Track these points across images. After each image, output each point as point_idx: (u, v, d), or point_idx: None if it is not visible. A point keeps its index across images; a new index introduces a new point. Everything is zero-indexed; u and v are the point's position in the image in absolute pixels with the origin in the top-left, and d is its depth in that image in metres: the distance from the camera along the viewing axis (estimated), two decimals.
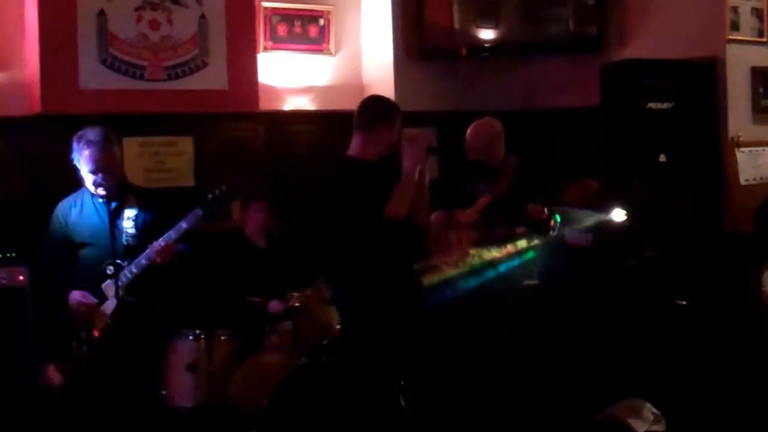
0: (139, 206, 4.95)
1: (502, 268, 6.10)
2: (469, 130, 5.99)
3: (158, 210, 5.11)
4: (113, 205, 4.85)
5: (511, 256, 6.07)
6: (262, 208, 6.02)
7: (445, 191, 6.13)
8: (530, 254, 6.08)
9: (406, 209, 4.87)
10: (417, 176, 4.92)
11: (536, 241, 6.00)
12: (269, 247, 5.98)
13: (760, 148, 6.83)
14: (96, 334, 4.81)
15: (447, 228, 6.11)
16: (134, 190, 5.13)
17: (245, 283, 5.71)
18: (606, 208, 6.40)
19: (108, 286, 4.84)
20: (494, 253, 6.06)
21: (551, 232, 5.81)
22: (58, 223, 5.02)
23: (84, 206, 5.01)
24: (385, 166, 5.02)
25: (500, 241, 6.07)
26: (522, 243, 6.08)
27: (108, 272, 4.84)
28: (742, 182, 6.72)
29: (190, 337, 5.37)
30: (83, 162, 4.90)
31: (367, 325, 4.93)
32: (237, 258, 5.88)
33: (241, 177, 6.40)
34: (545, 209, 5.73)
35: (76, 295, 4.86)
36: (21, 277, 5.28)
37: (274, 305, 5.62)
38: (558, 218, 5.82)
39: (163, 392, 5.30)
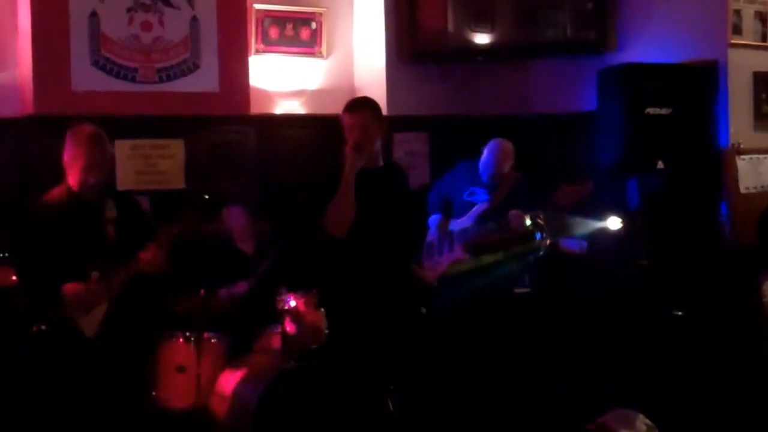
0: (120, 209, 5.26)
1: (493, 275, 6.60)
2: (492, 151, 6.71)
3: (139, 212, 5.56)
4: (97, 206, 5.18)
5: (502, 263, 6.61)
6: (240, 212, 6.50)
7: (445, 194, 6.80)
8: (522, 261, 6.67)
9: (347, 219, 5.22)
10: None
11: (528, 249, 6.60)
12: (257, 252, 6.45)
13: (761, 156, 7.11)
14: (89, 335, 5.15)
15: (443, 233, 6.78)
16: (114, 192, 5.51)
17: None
18: (601, 215, 6.82)
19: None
20: (486, 259, 6.64)
21: (533, 245, 6.39)
22: (41, 224, 5.19)
23: (67, 207, 5.21)
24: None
25: (492, 248, 6.64)
26: (514, 250, 6.64)
27: (92, 278, 5.10)
28: (743, 190, 7.01)
29: (180, 339, 5.82)
30: (77, 158, 5.18)
31: (350, 327, 5.40)
32: (224, 263, 6.36)
33: (230, 180, 6.90)
34: (527, 218, 6.33)
35: (70, 286, 5.09)
36: (13, 277, 5.52)
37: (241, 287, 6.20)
38: (539, 234, 6.41)
39: (154, 393, 5.74)
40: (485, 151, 6.81)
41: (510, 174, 6.81)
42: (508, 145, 6.82)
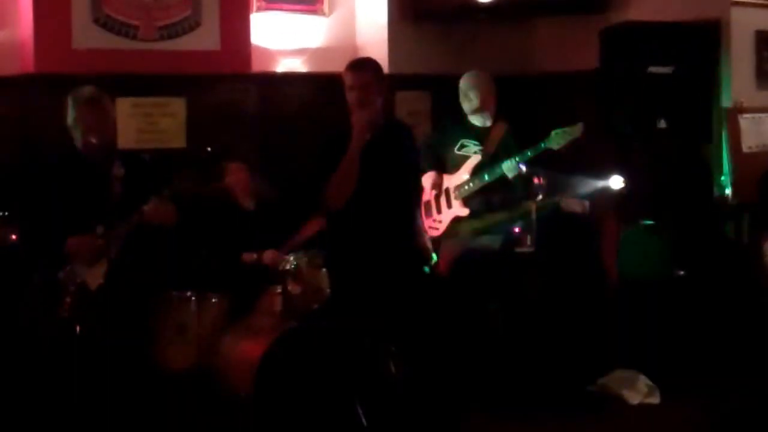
0: (128, 167, 5.30)
1: (494, 235, 6.68)
2: (469, 81, 6.69)
3: (147, 170, 5.58)
4: (103, 166, 5.24)
5: (502, 220, 6.66)
6: (240, 169, 6.48)
7: (436, 151, 6.80)
8: (525, 220, 6.68)
9: (347, 193, 5.34)
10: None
11: (531, 208, 6.60)
12: (258, 209, 6.45)
13: (763, 115, 7.22)
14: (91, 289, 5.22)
15: (438, 190, 6.79)
16: (121, 152, 5.55)
17: (234, 245, 6.22)
18: (603, 174, 6.81)
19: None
20: (486, 216, 6.68)
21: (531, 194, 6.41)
22: (47, 186, 5.31)
23: (74, 168, 5.31)
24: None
25: (491, 203, 6.69)
26: (517, 209, 6.64)
27: (97, 233, 5.19)
28: (745, 149, 7.12)
29: (181, 298, 5.79)
30: (78, 121, 5.30)
31: (353, 288, 5.50)
32: (225, 220, 6.34)
33: (231, 138, 6.86)
34: (521, 166, 6.33)
35: (73, 240, 5.20)
36: (13, 237, 5.47)
37: (269, 255, 6.21)
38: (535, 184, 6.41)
39: (154, 353, 5.71)
40: (461, 86, 6.75)
41: (499, 124, 6.78)
42: (484, 74, 6.77)
